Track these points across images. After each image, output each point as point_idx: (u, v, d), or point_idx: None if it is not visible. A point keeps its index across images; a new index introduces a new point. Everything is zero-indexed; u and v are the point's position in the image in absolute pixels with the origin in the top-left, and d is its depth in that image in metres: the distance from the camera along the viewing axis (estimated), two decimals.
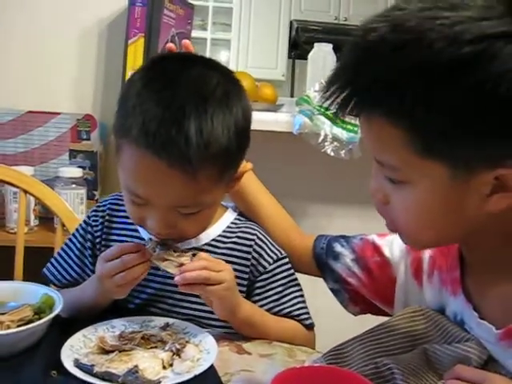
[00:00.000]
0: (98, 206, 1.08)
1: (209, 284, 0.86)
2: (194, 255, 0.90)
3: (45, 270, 1.09)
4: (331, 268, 1.03)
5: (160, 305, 0.99)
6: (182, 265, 0.87)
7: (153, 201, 0.86)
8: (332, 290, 1.05)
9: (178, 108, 0.81)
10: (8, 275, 1.17)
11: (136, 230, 1.03)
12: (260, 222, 1.07)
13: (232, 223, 1.04)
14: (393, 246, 0.97)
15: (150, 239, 0.92)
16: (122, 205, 1.04)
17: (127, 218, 1.03)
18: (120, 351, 0.83)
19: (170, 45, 1.04)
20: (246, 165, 0.98)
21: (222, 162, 0.86)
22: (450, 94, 0.62)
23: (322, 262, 1.05)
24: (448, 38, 0.61)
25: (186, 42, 1.05)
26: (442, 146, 0.66)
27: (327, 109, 1.62)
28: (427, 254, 0.90)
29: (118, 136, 0.88)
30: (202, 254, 0.90)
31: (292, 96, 4.25)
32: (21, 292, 0.94)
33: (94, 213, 1.07)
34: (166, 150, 0.80)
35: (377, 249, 0.99)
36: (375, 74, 0.66)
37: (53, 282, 1.07)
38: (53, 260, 1.09)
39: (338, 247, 1.03)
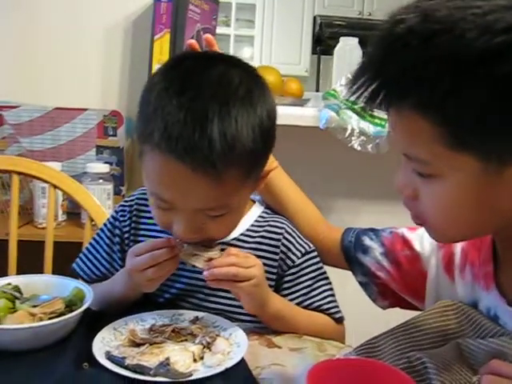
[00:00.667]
0: (126, 201, 1.08)
1: (237, 281, 0.86)
2: (222, 250, 0.89)
3: (74, 265, 1.09)
4: (360, 261, 1.02)
5: (189, 299, 0.99)
6: (210, 259, 0.87)
7: (178, 205, 0.85)
8: (360, 283, 1.04)
9: (200, 111, 0.79)
10: (37, 269, 1.18)
11: None
12: (287, 216, 1.06)
13: (260, 217, 1.03)
14: (423, 240, 0.96)
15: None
16: None
17: None
18: (151, 344, 0.83)
19: (191, 41, 1.00)
20: (271, 163, 0.97)
21: (248, 164, 0.84)
22: (481, 85, 0.61)
23: (350, 255, 1.04)
24: (480, 27, 0.60)
25: (208, 36, 1.02)
26: (474, 138, 0.64)
27: (354, 103, 1.61)
28: (459, 248, 0.89)
29: (140, 141, 0.86)
30: (232, 250, 0.89)
31: (317, 91, 4.23)
32: (52, 285, 0.95)
33: (121, 207, 1.07)
34: (190, 154, 0.78)
35: (407, 242, 0.98)
36: (404, 65, 0.65)
37: (82, 277, 1.08)
38: (82, 255, 1.09)
39: (366, 240, 1.02)
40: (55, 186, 1.37)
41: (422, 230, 0.96)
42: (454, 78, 0.62)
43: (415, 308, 0.98)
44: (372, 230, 1.05)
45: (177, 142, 0.78)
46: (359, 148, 1.57)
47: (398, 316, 0.88)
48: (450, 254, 0.90)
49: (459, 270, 0.88)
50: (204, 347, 0.83)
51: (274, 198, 1.07)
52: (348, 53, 1.92)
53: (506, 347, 0.72)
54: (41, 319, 0.84)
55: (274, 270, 0.99)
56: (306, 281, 1.01)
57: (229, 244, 0.98)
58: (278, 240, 1.00)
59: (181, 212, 0.85)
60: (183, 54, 0.93)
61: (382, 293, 1.02)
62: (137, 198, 1.07)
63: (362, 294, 1.05)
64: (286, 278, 1.00)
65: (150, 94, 0.84)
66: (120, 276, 0.98)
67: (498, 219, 0.71)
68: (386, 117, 1.60)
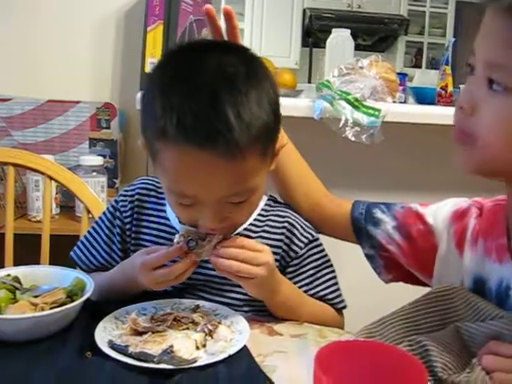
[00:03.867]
0: (127, 191, 1.06)
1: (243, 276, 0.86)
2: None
3: (72, 253, 1.08)
4: (369, 234, 1.02)
5: (186, 295, 0.98)
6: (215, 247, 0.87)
7: (201, 197, 0.83)
8: (367, 255, 1.04)
9: (209, 95, 0.78)
10: (32, 263, 1.17)
11: (167, 218, 1.02)
12: (290, 191, 1.07)
13: (263, 210, 1.02)
14: (437, 215, 0.96)
15: (182, 235, 0.89)
16: (152, 190, 1.04)
17: (157, 204, 1.03)
18: (153, 332, 0.83)
19: (208, 6, 0.98)
20: (282, 138, 0.95)
21: (265, 140, 0.84)
22: None
23: (359, 226, 1.03)
24: None
25: (226, 7, 0.97)
26: None
27: (348, 93, 1.61)
28: (472, 223, 0.90)
29: (151, 140, 0.84)
30: (238, 241, 0.88)
31: (309, 83, 4.23)
32: (52, 276, 0.95)
33: (122, 197, 1.05)
34: (210, 140, 0.77)
35: (420, 217, 0.97)
36: None
37: (80, 266, 1.08)
38: (80, 244, 1.08)
39: (378, 213, 1.02)
40: (51, 178, 1.37)
41: (435, 206, 0.97)
42: None
43: (418, 283, 0.99)
44: (383, 203, 1.04)
45: (194, 131, 0.77)
46: (353, 138, 1.57)
47: (395, 302, 0.89)
48: (462, 228, 0.91)
49: (470, 244, 0.89)
50: (206, 335, 0.83)
51: (277, 172, 1.06)
52: (340, 44, 1.93)
53: (504, 328, 0.73)
54: (42, 309, 0.84)
55: (277, 263, 0.98)
56: (309, 270, 1.01)
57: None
58: (282, 234, 1.00)
59: (205, 205, 0.84)
60: (176, 48, 0.92)
61: (388, 266, 1.02)
62: (138, 188, 1.05)
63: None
64: (290, 269, 1.00)
65: (153, 90, 0.83)
66: (121, 271, 0.98)
67: None
68: (379, 107, 1.61)
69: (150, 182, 1.06)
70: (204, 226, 0.87)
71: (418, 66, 5.42)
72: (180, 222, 0.99)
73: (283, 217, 1.02)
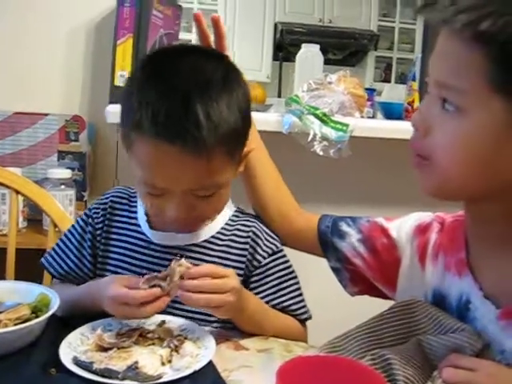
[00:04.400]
0: (101, 199, 1.09)
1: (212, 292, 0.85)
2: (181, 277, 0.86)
3: (43, 259, 1.09)
4: (335, 246, 1.03)
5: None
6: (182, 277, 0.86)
7: (170, 188, 0.89)
8: (333, 268, 1.05)
9: (182, 95, 0.85)
10: None
11: (137, 225, 1.04)
12: (259, 202, 1.09)
13: (230, 219, 1.05)
14: (400, 229, 0.97)
15: (144, 283, 0.86)
16: (125, 198, 1.08)
17: (129, 211, 1.06)
18: (118, 348, 0.83)
19: (198, 13, 1.03)
20: (250, 144, 0.99)
21: (232, 142, 0.89)
22: None
23: (325, 239, 1.05)
24: None
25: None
26: None
27: (316, 108, 1.63)
28: (433, 237, 0.92)
29: (126, 131, 0.91)
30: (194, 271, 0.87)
31: (279, 97, 4.26)
32: (17, 291, 0.94)
33: (95, 205, 1.08)
34: (179, 136, 0.83)
35: (384, 231, 0.99)
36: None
37: (50, 272, 1.09)
38: (51, 251, 1.10)
39: (344, 226, 1.03)
40: (17, 191, 1.35)
41: (399, 221, 0.99)
42: None
43: (384, 296, 1.00)
44: (349, 217, 1.06)
45: (165, 127, 0.84)
46: (321, 153, 1.59)
47: (360, 317, 0.90)
48: (424, 242, 0.93)
49: (431, 258, 0.90)
50: (172, 350, 0.83)
51: (252, 183, 1.09)
52: (310, 59, 1.95)
53: (464, 341, 0.75)
54: (6, 325, 0.83)
55: (241, 272, 1.00)
56: (273, 280, 1.02)
57: (199, 246, 1.01)
58: (246, 243, 1.02)
59: (173, 195, 0.90)
60: (158, 49, 0.97)
61: (354, 279, 1.03)
62: (112, 196, 1.08)
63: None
64: (253, 279, 1.01)
65: (132, 87, 0.91)
66: (88, 292, 0.97)
67: (490, 182, 0.74)
68: (347, 122, 1.63)
69: (124, 190, 1.10)
70: (171, 216, 0.91)
71: (387, 80, 5.47)
72: (150, 228, 1.01)
73: (249, 226, 1.04)
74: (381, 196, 1.83)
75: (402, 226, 0.98)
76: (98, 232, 1.06)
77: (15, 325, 0.83)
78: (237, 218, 1.06)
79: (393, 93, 2.43)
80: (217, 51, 1.01)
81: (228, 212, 1.06)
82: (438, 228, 0.92)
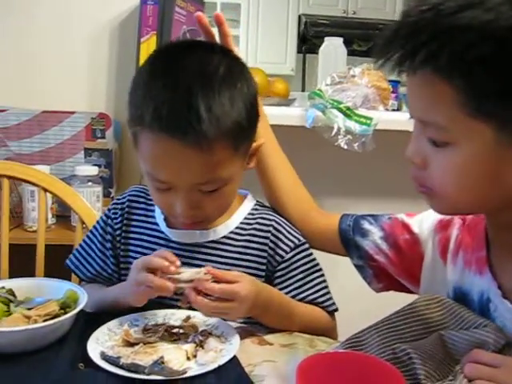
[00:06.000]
0: (118, 199, 1.10)
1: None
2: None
3: (68, 262, 1.11)
4: (357, 244, 1.04)
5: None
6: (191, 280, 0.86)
7: (175, 183, 0.90)
8: (356, 265, 1.06)
9: (185, 89, 0.85)
10: (28, 273, 1.19)
11: (156, 223, 1.05)
12: (279, 201, 1.09)
13: (249, 213, 1.05)
14: (422, 224, 0.98)
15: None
16: (142, 197, 1.08)
17: (146, 210, 1.07)
18: (145, 343, 0.85)
19: (199, 13, 1.06)
20: (259, 139, 0.99)
21: (235, 135, 0.89)
22: (509, 55, 0.65)
23: (347, 238, 1.05)
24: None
25: (217, 13, 1.05)
26: (495, 105, 0.67)
27: (340, 102, 1.63)
28: (454, 233, 0.92)
29: (132, 126, 0.91)
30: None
31: (303, 90, 4.25)
32: (46, 288, 0.96)
33: (113, 205, 1.10)
34: (180, 130, 0.84)
35: (406, 227, 1.00)
36: (436, 31, 0.67)
37: (78, 275, 1.10)
38: (76, 253, 1.11)
39: (365, 224, 1.04)
40: (45, 189, 1.38)
41: (420, 216, 0.99)
42: (485, 47, 0.65)
43: (408, 291, 1.01)
44: (370, 215, 1.06)
45: (167, 121, 0.84)
46: (345, 147, 1.59)
47: (385, 309, 0.90)
48: (445, 238, 0.93)
49: (452, 255, 0.91)
50: (197, 345, 0.85)
51: (267, 184, 1.10)
52: (333, 52, 1.94)
53: (488, 337, 0.74)
54: (36, 321, 0.85)
55: (263, 267, 1.01)
56: (298, 274, 1.02)
57: (218, 243, 1.01)
58: (267, 238, 1.02)
59: (178, 190, 0.90)
60: (164, 45, 0.97)
61: (377, 276, 1.04)
62: (129, 195, 1.10)
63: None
64: (277, 274, 1.02)
65: (139, 80, 0.92)
66: (119, 287, 0.99)
67: (502, 195, 0.74)
68: (371, 115, 1.63)
69: (140, 189, 1.10)
70: (178, 212, 0.92)
71: None
72: (168, 226, 1.02)
73: (269, 220, 1.04)
74: (405, 189, 1.81)
75: (423, 221, 0.98)
76: (118, 232, 1.07)
77: (44, 321, 0.85)
78: (256, 212, 1.05)
79: None
80: (222, 46, 1.02)
81: (247, 205, 1.06)
82: (459, 224, 0.92)
